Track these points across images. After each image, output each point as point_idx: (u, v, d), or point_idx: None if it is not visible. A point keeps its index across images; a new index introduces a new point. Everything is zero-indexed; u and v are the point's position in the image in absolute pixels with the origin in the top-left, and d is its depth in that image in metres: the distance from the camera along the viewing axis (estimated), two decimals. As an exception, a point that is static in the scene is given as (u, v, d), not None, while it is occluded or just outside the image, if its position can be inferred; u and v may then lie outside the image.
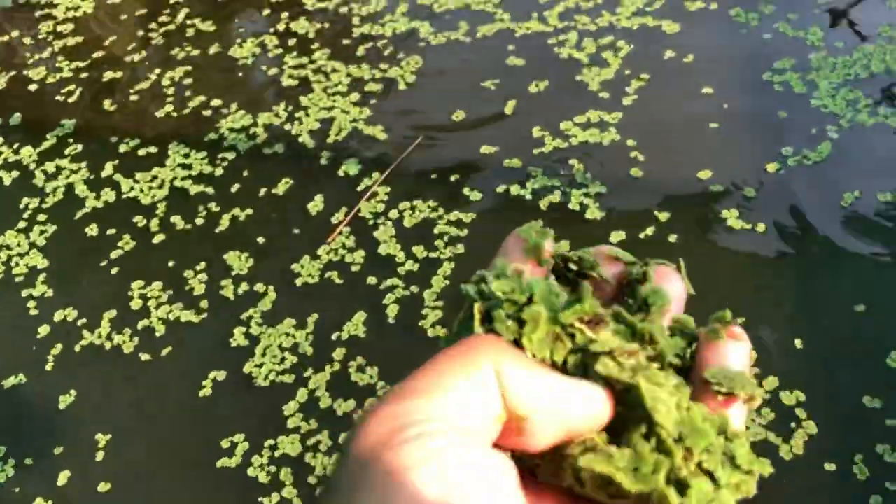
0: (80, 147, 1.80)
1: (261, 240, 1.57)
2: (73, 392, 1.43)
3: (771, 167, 1.47)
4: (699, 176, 1.48)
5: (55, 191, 1.73)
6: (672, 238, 1.42)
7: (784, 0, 1.75)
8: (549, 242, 0.35)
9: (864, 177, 1.44)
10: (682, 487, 0.29)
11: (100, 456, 1.33)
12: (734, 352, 0.33)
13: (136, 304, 1.52)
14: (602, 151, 1.57)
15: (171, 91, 1.86)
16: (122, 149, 1.77)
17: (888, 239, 1.35)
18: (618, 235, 1.42)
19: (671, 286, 0.35)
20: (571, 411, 0.29)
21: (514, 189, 1.54)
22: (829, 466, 1.12)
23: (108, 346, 1.47)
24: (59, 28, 2.07)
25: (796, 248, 1.37)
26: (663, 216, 1.45)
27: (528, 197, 1.52)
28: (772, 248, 1.38)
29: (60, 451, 1.35)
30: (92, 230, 1.65)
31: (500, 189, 1.55)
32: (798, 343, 1.25)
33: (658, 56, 1.71)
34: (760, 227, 1.40)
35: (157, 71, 1.92)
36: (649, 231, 1.43)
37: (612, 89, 1.66)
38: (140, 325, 1.49)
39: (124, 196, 1.69)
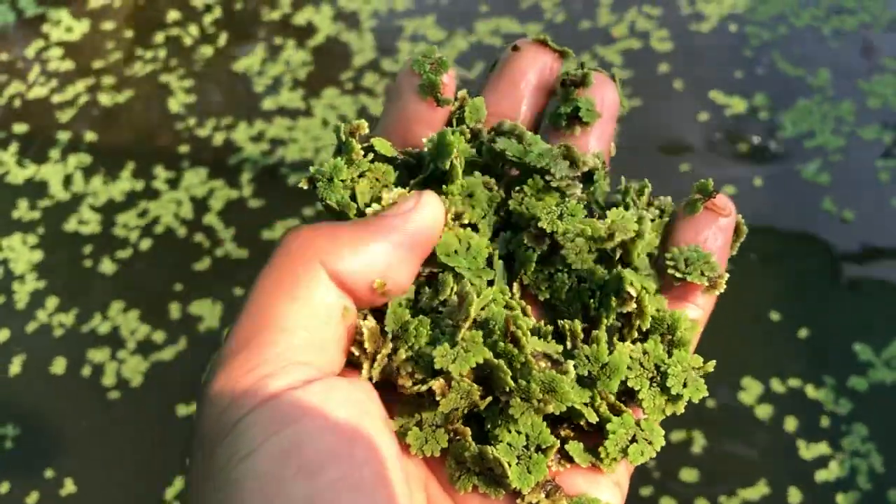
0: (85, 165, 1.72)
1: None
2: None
3: None
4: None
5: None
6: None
7: None
8: (448, 76, 0.32)
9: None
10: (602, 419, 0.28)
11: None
12: (710, 228, 0.30)
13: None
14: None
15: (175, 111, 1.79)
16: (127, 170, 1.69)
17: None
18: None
19: (606, 96, 0.33)
20: (416, 242, 0.28)
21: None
22: None
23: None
24: (54, 49, 2.00)
25: None
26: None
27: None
28: None
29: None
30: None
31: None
32: None
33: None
34: None
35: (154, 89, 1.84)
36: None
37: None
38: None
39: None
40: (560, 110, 0.33)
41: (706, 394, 0.29)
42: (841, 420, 1.14)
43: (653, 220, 0.31)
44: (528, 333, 0.28)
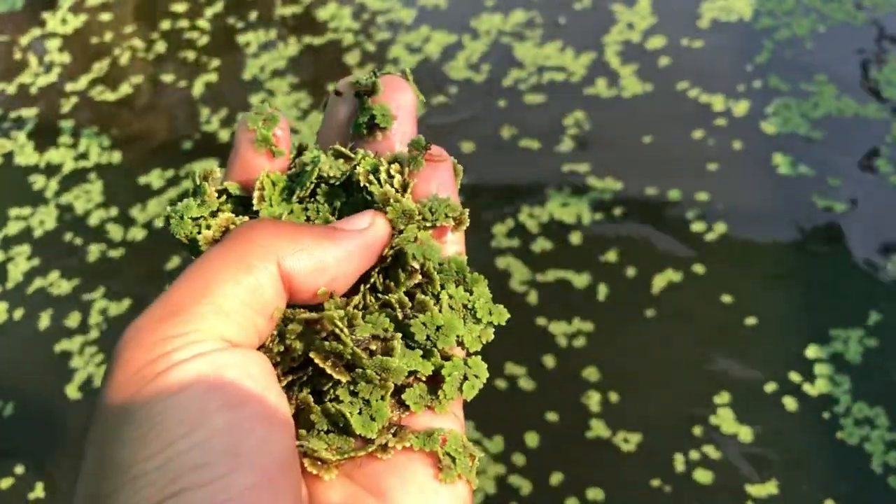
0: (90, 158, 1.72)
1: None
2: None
3: None
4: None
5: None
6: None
7: None
8: (280, 129, 0.34)
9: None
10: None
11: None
12: (437, 175, 0.34)
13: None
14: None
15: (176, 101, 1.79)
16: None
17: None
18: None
19: (401, 99, 0.35)
20: (363, 256, 0.31)
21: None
22: None
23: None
24: (61, 39, 2.00)
25: None
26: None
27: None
28: None
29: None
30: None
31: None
32: None
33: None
34: None
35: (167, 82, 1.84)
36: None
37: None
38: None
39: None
40: (359, 120, 0.36)
41: (508, 315, 0.33)
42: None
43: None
44: (345, 330, 0.30)
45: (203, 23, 1.92)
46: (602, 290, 1.34)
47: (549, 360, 1.27)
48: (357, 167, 0.34)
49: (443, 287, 0.33)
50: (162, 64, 1.86)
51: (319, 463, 0.30)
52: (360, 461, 0.30)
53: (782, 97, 1.55)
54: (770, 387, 1.21)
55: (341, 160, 0.35)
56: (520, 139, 1.56)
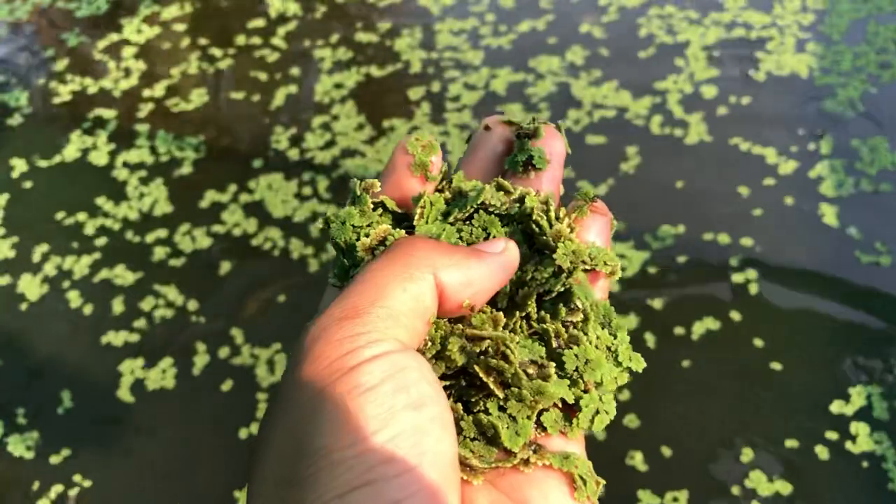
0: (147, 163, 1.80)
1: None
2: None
3: None
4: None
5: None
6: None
7: None
8: (436, 157, 0.38)
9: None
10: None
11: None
12: (596, 226, 0.37)
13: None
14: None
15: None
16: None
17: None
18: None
19: (554, 146, 0.39)
20: (497, 280, 0.34)
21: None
22: None
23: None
24: (136, 46, 2.08)
25: None
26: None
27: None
28: None
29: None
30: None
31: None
32: None
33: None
34: None
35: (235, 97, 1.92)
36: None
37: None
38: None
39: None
40: (517, 158, 0.39)
41: (645, 364, 0.36)
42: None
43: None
44: (516, 351, 0.33)
45: (277, 41, 2.00)
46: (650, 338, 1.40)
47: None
48: (524, 201, 0.37)
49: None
50: (232, 79, 1.94)
51: (469, 469, 0.32)
52: (503, 471, 0.33)
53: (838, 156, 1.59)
54: (805, 443, 1.25)
55: (501, 192, 0.38)
56: (576, 180, 1.62)
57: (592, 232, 0.37)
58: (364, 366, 0.28)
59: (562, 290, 0.35)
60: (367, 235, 0.36)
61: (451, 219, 0.37)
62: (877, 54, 1.77)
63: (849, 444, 1.24)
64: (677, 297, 1.43)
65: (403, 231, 0.36)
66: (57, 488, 1.34)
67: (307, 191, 1.69)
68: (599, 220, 0.38)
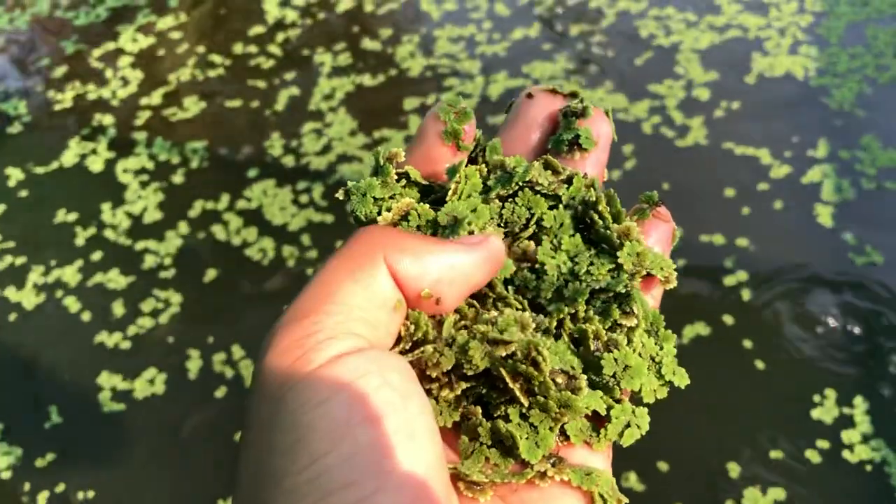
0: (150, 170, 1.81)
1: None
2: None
3: None
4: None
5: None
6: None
7: None
8: (469, 126, 0.35)
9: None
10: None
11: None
12: (657, 232, 0.35)
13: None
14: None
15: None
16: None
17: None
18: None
19: (601, 128, 0.37)
20: (469, 273, 0.31)
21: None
22: None
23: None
24: (132, 55, 2.09)
25: None
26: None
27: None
28: None
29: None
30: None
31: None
32: None
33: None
34: None
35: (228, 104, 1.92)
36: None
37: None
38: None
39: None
40: (562, 137, 0.36)
41: (689, 381, 0.34)
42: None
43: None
44: (548, 359, 0.30)
45: (274, 48, 2.01)
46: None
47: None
48: (572, 182, 0.35)
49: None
50: (228, 85, 1.95)
51: (475, 486, 0.30)
52: (515, 486, 0.31)
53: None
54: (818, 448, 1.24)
55: (549, 171, 0.35)
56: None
57: (653, 237, 0.35)
58: (315, 375, 0.26)
59: (622, 291, 0.33)
60: (388, 210, 0.33)
61: (492, 194, 0.34)
62: (874, 57, 1.75)
63: (843, 450, 1.23)
64: (666, 300, 1.42)
65: (427, 206, 0.33)
66: (44, 494, 1.34)
67: (304, 198, 1.69)
68: (661, 226, 0.36)
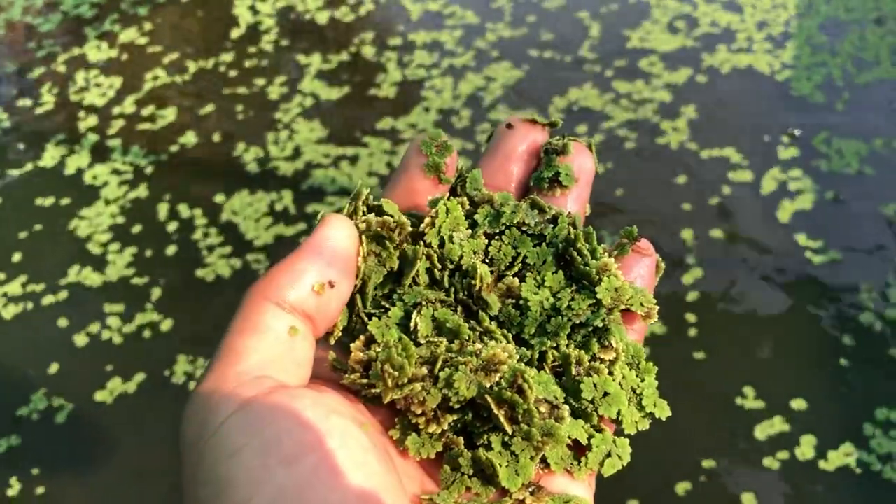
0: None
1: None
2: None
3: None
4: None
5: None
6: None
7: None
8: (450, 159, 0.36)
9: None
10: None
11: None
12: (638, 267, 0.35)
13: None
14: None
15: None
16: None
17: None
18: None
19: (584, 163, 0.37)
20: (329, 252, 0.32)
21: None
22: None
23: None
24: (105, 61, 2.07)
25: None
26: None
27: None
28: None
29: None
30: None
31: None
32: None
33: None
34: None
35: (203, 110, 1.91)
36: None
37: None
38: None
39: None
40: (543, 174, 0.37)
41: (670, 413, 0.34)
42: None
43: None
44: (533, 386, 0.31)
45: (257, 48, 1.99)
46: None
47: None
48: (556, 221, 0.36)
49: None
50: (202, 92, 1.93)
51: None
52: None
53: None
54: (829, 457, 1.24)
55: (536, 211, 0.36)
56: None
57: (634, 272, 0.36)
58: (224, 427, 0.27)
59: (600, 325, 0.34)
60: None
61: (479, 231, 0.35)
62: (850, 55, 1.75)
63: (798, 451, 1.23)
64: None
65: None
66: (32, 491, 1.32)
67: (279, 206, 1.68)
68: (643, 260, 0.36)
